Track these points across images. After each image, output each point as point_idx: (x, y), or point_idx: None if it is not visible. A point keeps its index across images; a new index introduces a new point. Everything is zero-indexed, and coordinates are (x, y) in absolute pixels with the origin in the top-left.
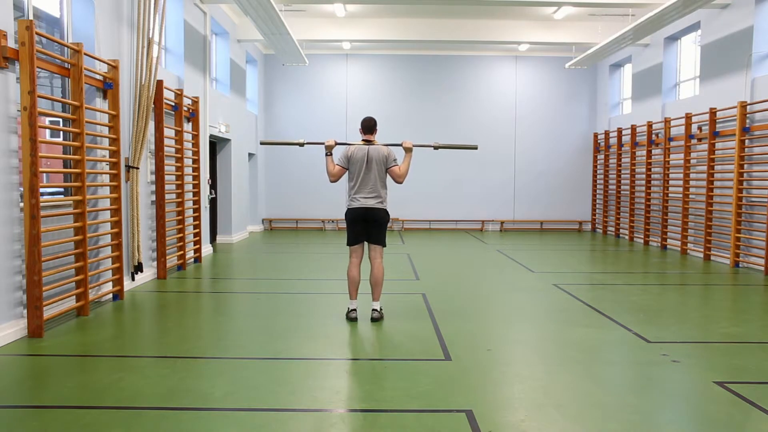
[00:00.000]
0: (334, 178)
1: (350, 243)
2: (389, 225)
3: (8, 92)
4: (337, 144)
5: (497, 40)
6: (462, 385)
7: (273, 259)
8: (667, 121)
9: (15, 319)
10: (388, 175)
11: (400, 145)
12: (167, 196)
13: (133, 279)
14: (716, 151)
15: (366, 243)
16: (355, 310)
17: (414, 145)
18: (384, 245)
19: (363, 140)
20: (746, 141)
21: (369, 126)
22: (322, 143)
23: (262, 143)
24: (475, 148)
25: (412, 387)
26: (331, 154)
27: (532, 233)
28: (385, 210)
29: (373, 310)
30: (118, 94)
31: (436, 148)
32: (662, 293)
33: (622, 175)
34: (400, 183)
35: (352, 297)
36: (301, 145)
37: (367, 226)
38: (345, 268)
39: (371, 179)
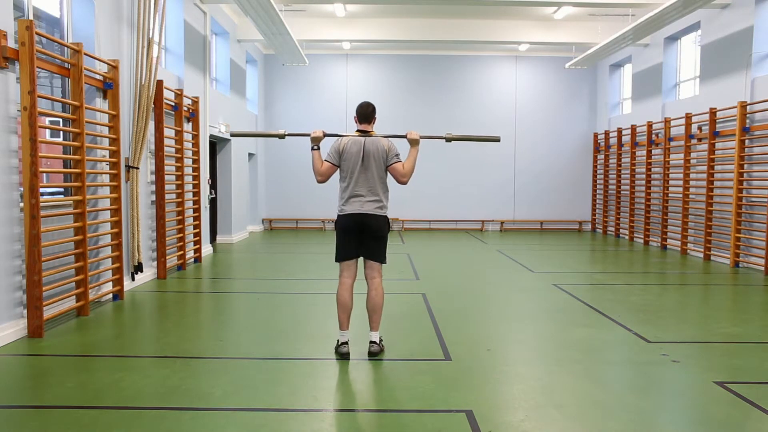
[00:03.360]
0: (322, 178)
1: (340, 258)
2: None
3: (8, 92)
4: (325, 135)
5: (497, 40)
6: (462, 385)
7: (273, 259)
8: (667, 121)
9: (15, 319)
10: (388, 174)
11: (404, 136)
12: (167, 196)
13: (133, 279)
14: (716, 151)
15: (360, 259)
16: (346, 343)
17: (421, 137)
18: (384, 261)
19: (358, 131)
20: (746, 141)
21: (366, 113)
22: (308, 135)
23: (233, 135)
24: (497, 140)
25: (412, 387)
26: (318, 148)
27: (532, 233)
28: (386, 217)
29: (372, 342)
30: (118, 94)
31: (448, 140)
32: (662, 293)
33: (622, 175)
34: (404, 183)
35: (342, 327)
36: (282, 137)
37: (363, 238)
38: None
39: (368, 179)
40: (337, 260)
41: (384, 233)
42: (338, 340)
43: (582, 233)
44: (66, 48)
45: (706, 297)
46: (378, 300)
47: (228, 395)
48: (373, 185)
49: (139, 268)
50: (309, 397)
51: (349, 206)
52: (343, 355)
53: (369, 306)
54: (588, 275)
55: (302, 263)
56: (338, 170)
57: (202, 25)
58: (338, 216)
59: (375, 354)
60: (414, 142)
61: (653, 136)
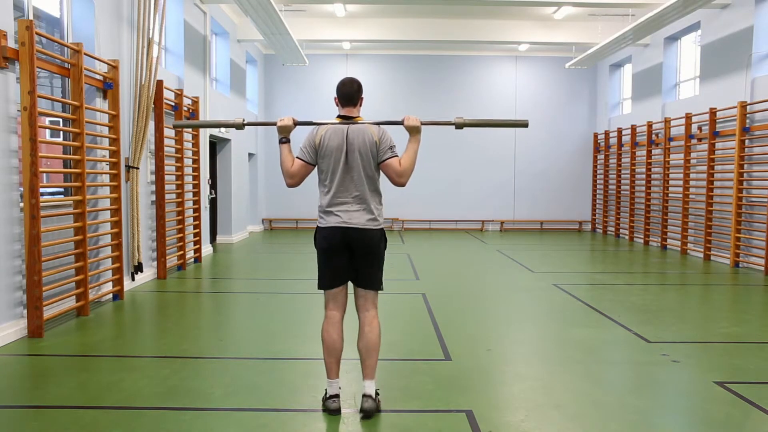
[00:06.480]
0: (293, 180)
1: (324, 285)
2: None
3: (8, 92)
4: (297, 124)
5: (497, 40)
6: (462, 385)
7: (273, 259)
8: (667, 121)
9: (15, 319)
10: (381, 173)
11: (401, 122)
12: (167, 196)
13: (133, 279)
14: (716, 151)
15: (350, 283)
16: (336, 397)
17: (422, 123)
18: (380, 288)
19: (339, 117)
20: (746, 141)
21: (349, 93)
22: (274, 123)
23: (175, 126)
24: (525, 125)
25: (412, 387)
26: (288, 141)
27: (532, 233)
28: (380, 230)
29: (366, 396)
30: (118, 94)
31: (459, 126)
32: (662, 293)
33: (622, 175)
34: (401, 185)
35: (330, 375)
36: (240, 126)
37: (351, 258)
38: None
39: (355, 180)
40: (320, 287)
41: (379, 252)
42: (326, 391)
43: (582, 233)
44: (66, 48)
45: (706, 297)
46: (374, 339)
47: (228, 395)
48: (361, 189)
49: (139, 268)
50: (309, 397)
51: (331, 217)
52: (332, 411)
53: (361, 346)
54: (588, 275)
55: (302, 263)
56: (315, 169)
57: (202, 25)
58: (318, 228)
59: (369, 412)
60: (413, 130)
61: (653, 136)
